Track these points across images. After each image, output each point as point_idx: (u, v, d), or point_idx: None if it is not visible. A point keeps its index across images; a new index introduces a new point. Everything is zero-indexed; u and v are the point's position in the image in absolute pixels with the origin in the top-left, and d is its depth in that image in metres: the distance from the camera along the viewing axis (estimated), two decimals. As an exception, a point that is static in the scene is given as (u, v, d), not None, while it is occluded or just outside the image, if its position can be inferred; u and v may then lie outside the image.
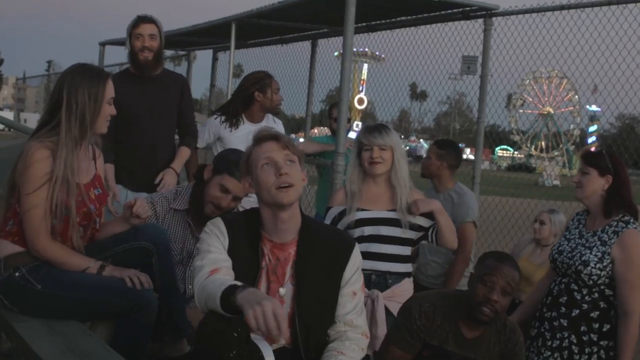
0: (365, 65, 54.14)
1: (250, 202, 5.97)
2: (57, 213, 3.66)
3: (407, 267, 4.78)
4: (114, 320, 3.85)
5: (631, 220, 4.29)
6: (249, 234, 3.34)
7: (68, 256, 3.75)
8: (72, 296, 3.70)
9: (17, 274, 3.69)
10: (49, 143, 3.67)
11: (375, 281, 4.64)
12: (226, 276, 3.12)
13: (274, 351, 3.11)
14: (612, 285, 4.24)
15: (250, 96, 6.11)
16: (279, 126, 6.35)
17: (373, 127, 4.76)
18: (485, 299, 3.67)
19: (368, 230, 4.66)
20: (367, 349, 3.54)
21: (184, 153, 5.84)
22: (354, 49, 6.89)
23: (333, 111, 7.47)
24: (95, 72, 3.81)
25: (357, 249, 3.51)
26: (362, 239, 4.60)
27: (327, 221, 4.72)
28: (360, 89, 59.81)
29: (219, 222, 3.35)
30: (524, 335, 4.33)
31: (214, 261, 3.20)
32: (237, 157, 4.65)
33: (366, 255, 4.58)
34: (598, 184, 4.33)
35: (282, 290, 3.31)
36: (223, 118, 6.10)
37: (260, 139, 3.35)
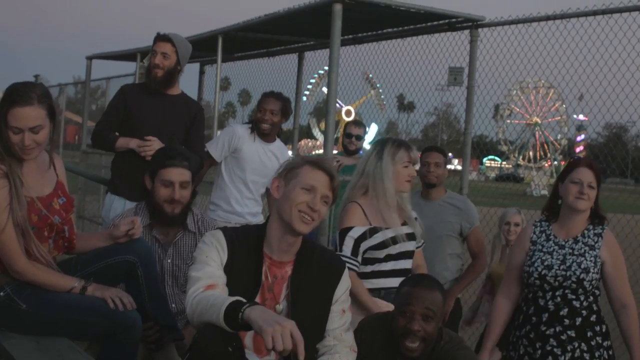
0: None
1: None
2: (23, 231, 3.61)
3: None
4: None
5: (601, 222, 4.51)
6: (249, 250, 3.36)
7: (49, 277, 3.73)
8: (57, 316, 3.68)
9: (1, 293, 3.67)
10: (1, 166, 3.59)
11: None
12: (223, 293, 3.13)
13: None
14: (598, 285, 4.41)
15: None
16: (284, 152, 6.39)
17: (408, 143, 4.70)
18: (407, 330, 3.56)
19: (396, 249, 4.62)
20: None
21: None
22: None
23: (353, 129, 7.50)
24: (6, 95, 3.61)
25: (347, 271, 3.58)
26: (389, 257, 4.61)
27: (349, 241, 4.55)
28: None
29: (219, 235, 3.36)
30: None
31: (210, 275, 3.21)
32: (162, 150, 4.77)
33: (393, 273, 4.62)
34: (595, 197, 4.43)
35: (279, 307, 3.35)
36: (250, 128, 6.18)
37: (320, 166, 3.38)
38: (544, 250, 4.46)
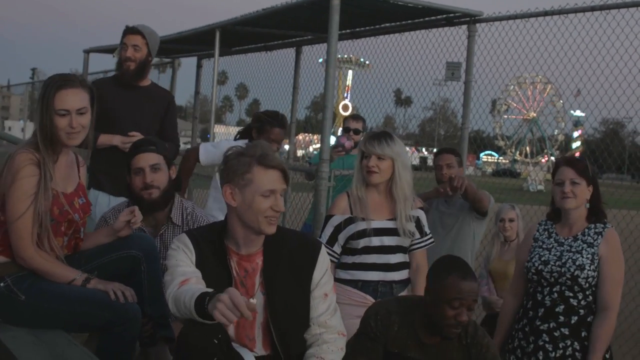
0: (350, 72, 53.87)
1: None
2: (41, 222, 3.65)
3: (407, 274, 4.76)
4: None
5: (606, 221, 4.45)
6: (214, 248, 3.36)
7: (53, 267, 3.73)
8: (56, 308, 3.69)
9: (2, 284, 3.68)
10: (34, 154, 3.65)
11: (382, 291, 4.61)
12: (197, 285, 3.14)
13: (256, 359, 3.13)
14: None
15: (250, 130, 6.17)
16: None
17: (374, 135, 4.64)
18: (456, 322, 3.54)
19: (375, 241, 4.60)
20: None
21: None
22: (339, 55, 6.90)
23: (351, 123, 7.49)
24: (51, 81, 3.70)
25: (324, 250, 3.53)
26: (370, 250, 4.60)
27: (329, 230, 4.63)
28: (345, 95, 59.71)
29: (184, 238, 3.37)
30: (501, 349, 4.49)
31: (183, 273, 3.22)
32: (133, 144, 4.72)
33: (374, 267, 4.61)
34: (586, 194, 4.39)
35: (252, 301, 3.31)
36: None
37: (270, 164, 3.29)
38: (544, 246, 4.47)
